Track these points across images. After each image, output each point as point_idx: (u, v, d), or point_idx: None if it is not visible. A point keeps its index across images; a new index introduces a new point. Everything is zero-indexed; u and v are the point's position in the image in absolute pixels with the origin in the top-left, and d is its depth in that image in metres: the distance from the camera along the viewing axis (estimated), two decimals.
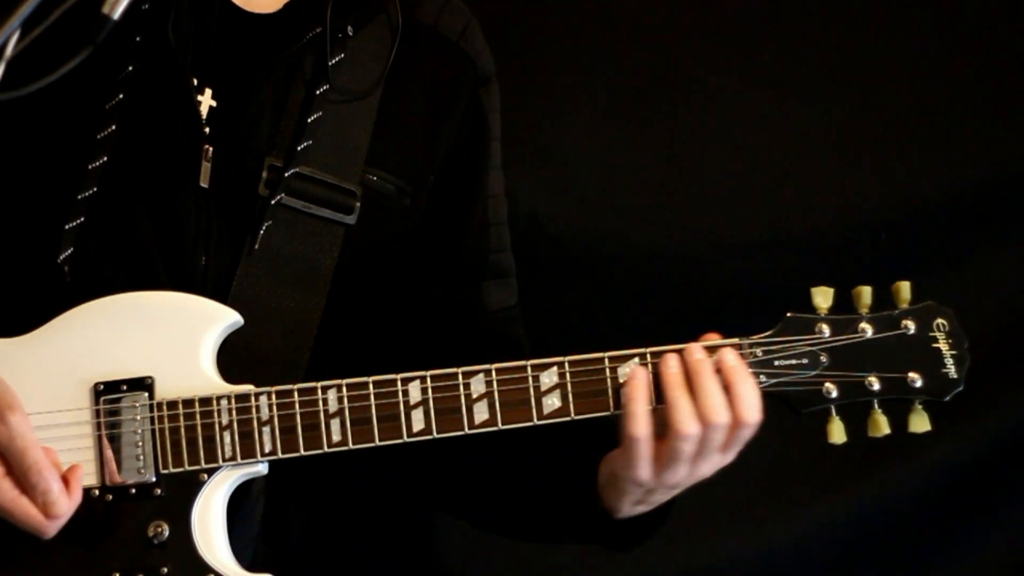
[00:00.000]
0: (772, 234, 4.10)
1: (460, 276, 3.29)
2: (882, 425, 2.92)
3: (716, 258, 4.09)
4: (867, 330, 2.93)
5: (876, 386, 2.91)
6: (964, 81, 4.10)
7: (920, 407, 2.92)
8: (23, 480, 2.84)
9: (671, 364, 2.92)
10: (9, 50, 2.58)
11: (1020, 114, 4.09)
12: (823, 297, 2.95)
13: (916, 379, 2.91)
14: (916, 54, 4.10)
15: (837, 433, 2.92)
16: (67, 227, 3.03)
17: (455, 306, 3.29)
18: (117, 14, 2.70)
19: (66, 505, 2.86)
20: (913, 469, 4.04)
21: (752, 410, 2.90)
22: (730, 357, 2.92)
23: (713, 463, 2.95)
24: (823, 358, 2.92)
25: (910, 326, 2.93)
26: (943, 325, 2.92)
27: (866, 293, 2.94)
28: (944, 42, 4.10)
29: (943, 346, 2.91)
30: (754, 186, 4.10)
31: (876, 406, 2.92)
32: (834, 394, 2.92)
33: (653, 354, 2.94)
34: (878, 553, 4.09)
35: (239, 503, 2.99)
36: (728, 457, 2.96)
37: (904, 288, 2.95)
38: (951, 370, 2.91)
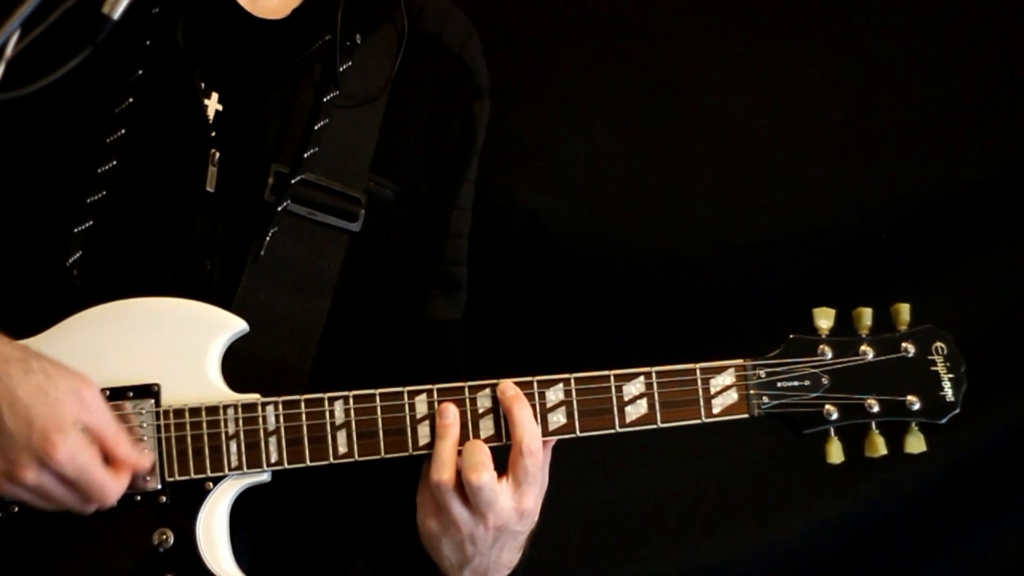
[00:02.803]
0: (771, 234, 4.11)
1: (409, 281, 3.31)
2: (879, 446, 2.96)
3: (715, 258, 4.10)
4: (868, 353, 2.96)
5: (875, 408, 2.95)
6: (964, 81, 4.11)
7: (916, 429, 2.96)
8: (113, 442, 2.82)
9: (445, 415, 2.94)
10: (9, 50, 2.59)
11: (1020, 114, 4.10)
12: (825, 318, 2.98)
13: (914, 402, 2.95)
14: (916, 54, 4.11)
15: (835, 454, 2.96)
16: (76, 231, 3.04)
17: (399, 311, 3.30)
18: (117, 14, 2.72)
19: (149, 458, 2.90)
20: (913, 469, 4.06)
21: (532, 436, 2.91)
22: (508, 388, 2.94)
23: (505, 508, 2.93)
24: (825, 380, 2.96)
25: (910, 349, 2.96)
26: (941, 348, 2.96)
27: (866, 315, 2.97)
28: (944, 42, 4.11)
29: (941, 369, 2.95)
30: (754, 187, 4.11)
31: (874, 427, 2.96)
32: (834, 416, 2.95)
33: (659, 374, 2.96)
34: (878, 553, 4.12)
35: (237, 507, 3.00)
36: (527, 499, 2.94)
37: (903, 310, 2.98)
38: (948, 393, 2.95)
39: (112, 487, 2.83)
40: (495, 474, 2.91)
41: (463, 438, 2.94)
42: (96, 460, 2.81)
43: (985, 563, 4.13)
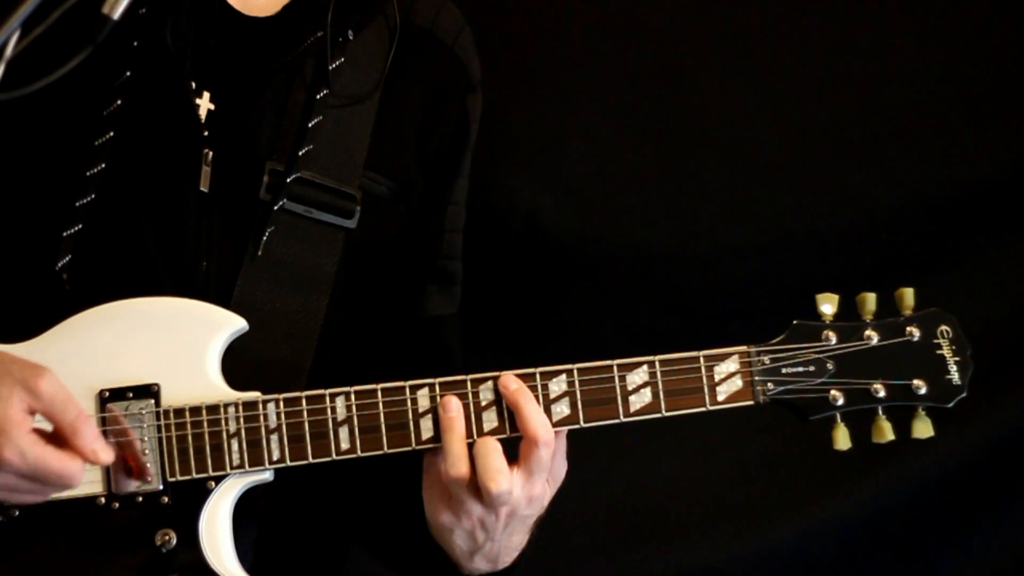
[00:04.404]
0: (772, 234, 4.11)
1: (405, 276, 3.30)
2: (886, 431, 2.94)
3: (716, 258, 4.10)
4: (873, 337, 2.94)
5: (881, 393, 2.93)
6: (964, 81, 4.11)
7: (923, 413, 2.94)
8: (69, 429, 2.76)
9: (448, 407, 2.93)
10: (9, 50, 2.58)
11: (1020, 114, 4.10)
12: (829, 304, 2.96)
13: (920, 386, 2.93)
14: (916, 54, 4.11)
15: (842, 440, 2.94)
16: (65, 234, 3.02)
17: (395, 306, 3.29)
18: (117, 14, 2.70)
19: (108, 454, 2.82)
20: (913, 468, 4.06)
21: (543, 427, 2.90)
22: (510, 381, 2.93)
23: (515, 495, 2.92)
24: (829, 365, 2.94)
25: (915, 333, 2.95)
26: (947, 332, 2.94)
27: (870, 299, 2.96)
28: (944, 42, 4.11)
29: (947, 352, 2.93)
30: (754, 186, 4.11)
31: (880, 412, 2.93)
32: (840, 401, 2.93)
33: (662, 362, 2.94)
34: (878, 553, 4.11)
35: (240, 506, 2.98)
36: (536, 486, 2.93)
37: (908, 294, 2.96)
38: (955, 377, 2.93)
39: (72, 468, 2.77)
40: (510, 475, 2.90)
41: (467, 431, 2.92)
42: (47, 452, 2.76)
43: (985, 563, 4.11)
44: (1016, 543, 4.12)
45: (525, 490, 2.92)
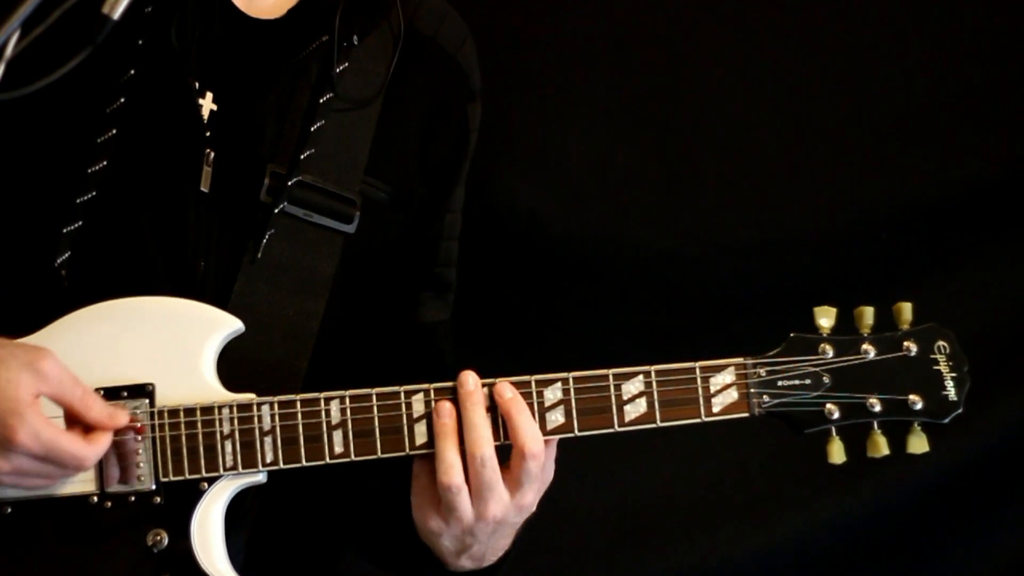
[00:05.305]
0: (771, 234, 4.10)
1: (402, 282, 3.30)
2: (881, 446, 2.94)
3: (715, 258, 4.10)
4: (869, 351, 2.94)
5: (877, 408, 2.93)
6: (964, 81, 4.10)
7: (919, 429, 2.94)
8: (81, 405, 2.84)
9: (442, 413, 2.93)
10: (9, 50, 2.58)
11: (1020, 114, 4.09)
12: (826, 317, 2.96)
13: (916, 401, 2.93)
14: (916, 54, 4.10)
15: (837, 453, 2.94)
16: (65, 231, 3.02)
17: (391, 311, 3.30)
18: (117, 14, 2.71)
19: (124, 415, 2.89)
20: (913, 469, 4.06)
21: (533, 440, 2.90)
22: (505, 390, 2.93)
23: (503, 503, 2.93)
24: (826, 379, 2.94)
25: (912, 348, 2.94)
26: (944, 347, 2.94)
27: (868, 313, 2.96)
28: (944, 42, 4.10)
29: (943, 368, 2.93)
30: (754, 186, 4.11)
31: (876, 427, 2.94)
32: (836, 415, 2.93)
33: (658, 372, 2.94)
34: (878, 553, 4.12)
35: (232, 507, 2.98)
36: (527, 496, 2.95)
37: (906, 309, 2.96)
38: (951, 392, 2.93)
39: (85, 451, 2.84)
40: (508, 497, 2.92)
41: (460, 437, 2.92)
42: (59, 432, 2.81)
43: (985, 563, 4.11)
44: (1016, 543, 4.12)
45: (515, 501, 2.93)
